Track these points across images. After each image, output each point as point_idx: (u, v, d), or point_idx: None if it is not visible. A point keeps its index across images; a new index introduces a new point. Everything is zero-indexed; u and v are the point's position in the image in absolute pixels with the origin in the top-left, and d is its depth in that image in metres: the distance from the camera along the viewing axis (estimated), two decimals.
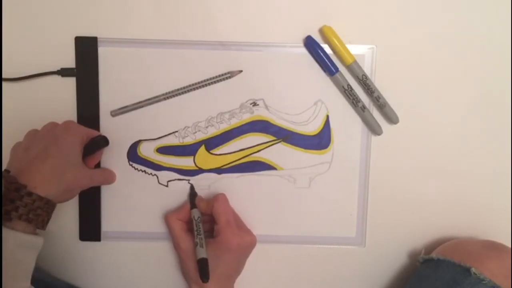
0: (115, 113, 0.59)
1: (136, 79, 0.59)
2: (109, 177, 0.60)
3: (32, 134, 0.54)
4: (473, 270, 0.52)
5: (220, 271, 0.55)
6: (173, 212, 0.59)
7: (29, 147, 0.52)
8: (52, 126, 0.55)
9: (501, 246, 0.56)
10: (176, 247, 0.58)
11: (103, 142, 0.58)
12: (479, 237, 0.62)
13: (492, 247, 0.56)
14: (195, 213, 0.58)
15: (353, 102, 0.59)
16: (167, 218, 0.59)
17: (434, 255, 0.58)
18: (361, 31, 0.59)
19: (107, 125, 0.59)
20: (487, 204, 0.62)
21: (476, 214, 0.63)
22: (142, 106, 0.59)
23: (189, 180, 0.61)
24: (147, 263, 0.63)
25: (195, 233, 0.56)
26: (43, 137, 0.53)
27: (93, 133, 0.58)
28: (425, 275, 0.57)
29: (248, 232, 0.59)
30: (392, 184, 0.62)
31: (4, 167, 0.58)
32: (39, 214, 0.48)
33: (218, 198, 0.58)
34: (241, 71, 0.59)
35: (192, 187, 0.61)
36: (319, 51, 0.57)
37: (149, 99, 0.59)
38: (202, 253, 0.54)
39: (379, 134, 0.60)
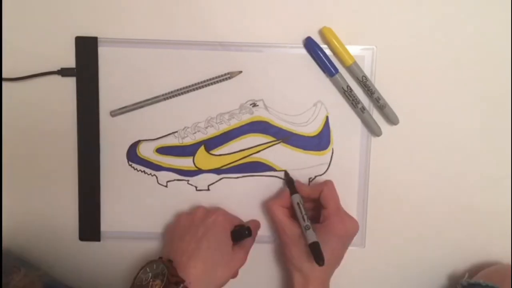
0: (114, 113, 0.59)
1: (136, 79, 0.58)
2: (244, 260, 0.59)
3: (186, 221, 0.56)
4: None
5: (326, 258, 0.53)
6: (274, 200, 0.58)
7: (184, 237, 0.54)
8: (203, 215, 0.56)
9: None
10: (282, 233, 0.57)
11: (247, 233, 0.57)
12: (480, 239, 0.62)
13: None
14: (297, 198, 0.56)
15: (352, 103, 0.58)
16: (270, 206, 0.57)
17: (481, 280, 0.56)
18: (361, 32, 0.58)
19: (107, 125, 0.59)
20: (486, 205, 0.62)
21: (475, 215, 0.62)
22: (142, 107, 0.59)
23: (188, 180, 0.61)
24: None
25: (302, 217, 0.54)
26: (197, 228, 0.55)
27: (237, 221, 0.59)
28: None
29: (354, 219, 0.57)
30: (391, 185, 0.61)
31: (4, 167, 0.59)
32: None
33: (327, 184, 0.57)
34: (240, 71, 0.58)
35: (286, 173, 0.60)
36: (319, 52, 0.57)
37: (148, 99, 0.58)
38: (312, 236, 0.52)
39: (378, 135, 0.59)
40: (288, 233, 0.56)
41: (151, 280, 0.49)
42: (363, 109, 0.58)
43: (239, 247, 0.57)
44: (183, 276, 0.50)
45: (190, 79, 0.58)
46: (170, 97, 0.58)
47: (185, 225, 0.56)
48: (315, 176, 0.61)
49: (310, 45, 0.57)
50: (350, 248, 0.61)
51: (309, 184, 0.61)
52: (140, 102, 0.59)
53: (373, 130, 0.59)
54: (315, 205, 0.59)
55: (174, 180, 0.60)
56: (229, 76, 0.58)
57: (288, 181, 0.59)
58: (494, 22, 0.59)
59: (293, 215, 0.57)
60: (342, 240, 0.56)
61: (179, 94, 0.58)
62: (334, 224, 0.55)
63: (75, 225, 0.61)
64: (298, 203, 0.56)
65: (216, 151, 0.60)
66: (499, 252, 0.63)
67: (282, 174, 0.61)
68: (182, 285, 0.49)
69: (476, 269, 0.61)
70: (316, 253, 0.51)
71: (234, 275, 0.57)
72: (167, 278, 0.49)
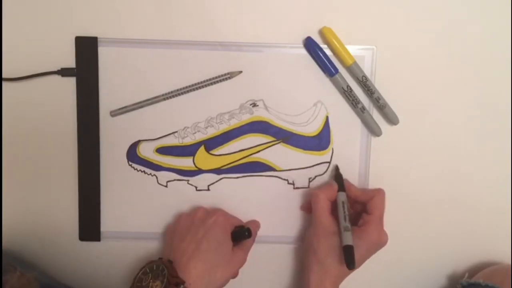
0: (114, 113, 0.58)
1: (136, 79, 0.58)
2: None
3: (186, 221, 0.56)
4: None
5: None
6: (322, 190, 0.57)
7: (184, 238, 0.54)
8: (203, 216, 0.56)
9: None
10: (317, 224, 0.56)
11: (247, 234, 0.57)
12: (481, 239, 0.62)
13: None
14: (343, 197, 0.56)
15: (352, 103, 0.58)
16: (316, 193, 0.56)
17: (481, 280, 0.56)
18: (361, 32, 0.58)
19: (107, 125, 0.58)
20: (486, 205, 0.62)
21: (476, 215, 0.62)
22: (142, 107, 0.58)
23: (188, 180, 0.60)
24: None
25: (344, 217, 0.54)
26: (197, 229, 0.54)
27: (237, 222, 0.59)
28: None
29: (386, 233, 0.57)
30: (391, 185, 0.60)
31: (4, 167, 0.59)
32: None
33: (379, 192, 0.57)
34: (240, 72, 0.58)
35: (337, 168, 0.60)
36: (319, 52, 0.56)
37: (148, 99, 0.58)
38: (349, 239, 0.52)
39: (378, 135, 0.59)
40: (324, 225, 0.55)
41: (151, 280, 0.49)
42: (363, 109, 0.58)
43: (239, 248, 0.57)
44: (183, 277, 0.49)
45: (190, 79, 0.58)
46: (170, 97, 0.58)
47: (185, 226, 0.56)
48: (315, 176, 0.60)
49: (310, 45, 0.57)
50: None
51: (308, 184, 0.61)
52: (140, 102, 0.58)
53: (373, 130, 0.59)
54: (355, 206, 0.59)
55: (174, 180, 0.60)
56: (229, 76, 0.58)
57: (338, 176, 0.59)
58: (494, 22, 0.58)
59: (333, 209, 0.56)
60: (372, 249, 0.56)
61: (179, 94, 0.58)
62: (372, 232, 0.55)
63: (75, 225, 0.61)
64: (343, 202, 0.56)
65: (216, 151, 0.60)
66: (499, 252, 0.62)
67: (282, 174, 0.60)
68: (182, 286, 0.49)
69: (476, 269, 0.61)
70: (349, 256, 0.51)
71: (234, 275, 0.56)
72: (167, 279, 0.48)
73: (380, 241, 0.56)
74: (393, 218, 0.62)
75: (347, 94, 0.58)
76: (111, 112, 0.59)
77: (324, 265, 0.54)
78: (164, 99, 0.58)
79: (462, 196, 0.62)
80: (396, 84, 0.59)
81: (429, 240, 0.63)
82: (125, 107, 0.58)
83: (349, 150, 0.60)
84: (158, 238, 0.61)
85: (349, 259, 0.51)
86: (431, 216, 0.62)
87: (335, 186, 0.58)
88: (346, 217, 0.54)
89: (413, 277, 0.64)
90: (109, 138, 0.59)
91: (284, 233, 0.62)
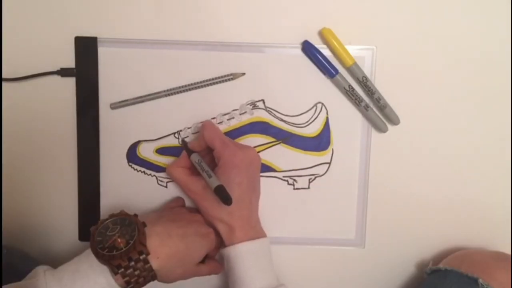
0: (114, 106, 0.57)
1: (136, 80, 0.57)
2: (216, 271, 0.57)
3: (189, 215, 0.55)
4: (480, 281, 0.50)
5: (237, 195, 0.52)
6: (172, 163, 0.57)
7: (177, 222, 0.52)
8: (200, 220, 0.55)
9: (510, 257, 0.55)
10: (188, 192, 0.55)
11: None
12: (481, 239, 0.61)
13: (501, 258, 0.55)
14: (195, 157, 0.55)
15: (356, 102, 0.57)
16: (168, 169, 0.56)
17: (441, 265, 0.56)
18: (361, 32, 0.57)
19: (107, 125, 0.58)
20: (488, 206, 0.61)
21: (478, 215, 0.62)
22: (142, 101, 0.58)
23: None
24: None
25: (202, 170, 0.53)
26: (192, 229, 0.52)
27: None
28: (432, 285, 0.56)
29: (247, 147, 0.56)
30: (392, 185, 0.60)
31: (4, 167, 0.58)
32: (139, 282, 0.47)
33: (204, 125, 0.55)
34: (243, 73, 0.57)
35: (183, 140, 0.59)
36: (318, 55, 0.56)
37: (149, 95, 0.57)
38: (215, 181, 0.51)
39: (384, 132, 0.58)
40: (193, 189, 0.54)
41: (116, 234, 0.47)
42: (366, 106, 0.57)
43: (205, 264, 0.55)
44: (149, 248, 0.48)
45: (191, 80, 0.57)
46: (170, 95, 0.57)
47: (185, 218, 0.54)
48: (315, 177, 0.60)
49: (308, 48, 0.56)
50: (350, 248, 0.62)
51: (308, 185, 0.60)
52: (141, 97, 0.58)
53: (379, 127, 0.58)
54: (210, 153, 0.57)
55: None
56: (232, 77, 0.57)
57: (185, 145, 0.58)
58: (495, 22, 0.58)
59: (196, 173, 0.55)
60: (243, 170, 0.53)
61: (179, 92, 0.57)
62: (226, 159, 0.53)
63: (75, 225, 0.60)
64: (197, 162, 0.54)
65: None
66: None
67: (282, 175, 0.60)
68: (144, 255, 0.47)
69: (431, 247, 0.62)
70: (221, 195, 0.49)
71: (201, 274, 0.55)
72: (134, 242, 0.46)
73: (243, 159, 0.54)
74: (393, 218, 0.62)
75: (350, 94, 0.57)
76: (111, 104, 0.58)
77: (224, 219, 0.53)
78: (166, 96, 0.57)
79: (464, 197, 0.61)
80: (396, 84, 0.58)
81: (430, 240, 0.62)
82: (126, 100, 0.58)
83: (350, 150, 0.60)
84: None
85: (223, 197, 0.49)
86: (431, 216, 0.62)
87: (185, 153, 0.56)
88: (204, 168, 0.53)
89: (414, 277, 0.64)
90: (109, 138, 0.58)
91: (284, 234, 0.61)
